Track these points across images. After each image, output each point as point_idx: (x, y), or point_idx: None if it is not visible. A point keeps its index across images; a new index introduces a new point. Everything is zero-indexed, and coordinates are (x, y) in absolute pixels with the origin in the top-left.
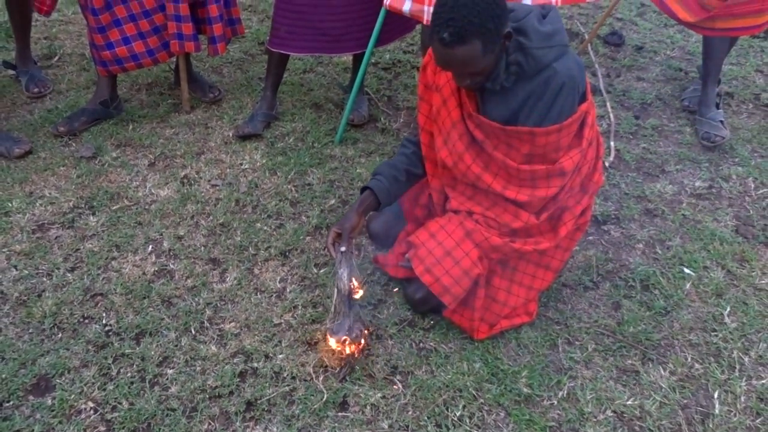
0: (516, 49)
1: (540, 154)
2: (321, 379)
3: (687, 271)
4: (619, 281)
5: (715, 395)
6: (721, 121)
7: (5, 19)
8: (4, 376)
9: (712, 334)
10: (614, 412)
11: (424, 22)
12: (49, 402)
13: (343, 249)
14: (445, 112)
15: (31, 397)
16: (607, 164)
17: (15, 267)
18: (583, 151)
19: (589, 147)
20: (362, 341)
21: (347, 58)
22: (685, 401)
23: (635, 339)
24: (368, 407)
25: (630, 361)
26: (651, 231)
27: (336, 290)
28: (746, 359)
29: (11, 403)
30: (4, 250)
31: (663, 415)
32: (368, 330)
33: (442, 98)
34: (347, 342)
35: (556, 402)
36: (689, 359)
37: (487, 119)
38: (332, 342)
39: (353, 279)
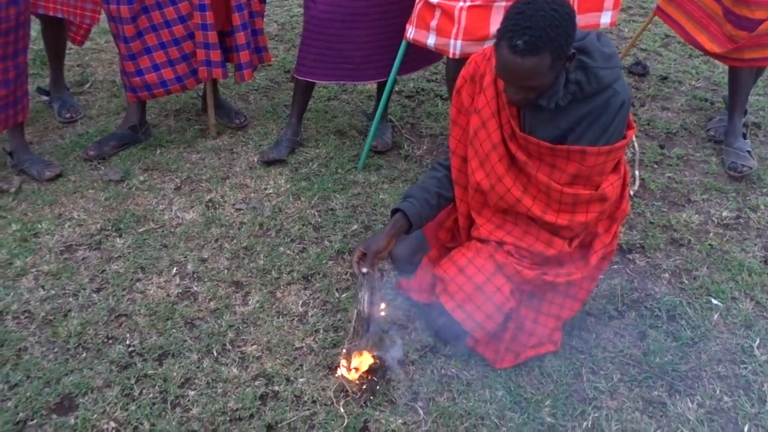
0: (577, 67)
1: (586, 175)
2: (342, 403)
3: (714, 301)
4: (645, 311)
5: (745, 429)
6: (749, 152)
7: (41, 48)
8: (28, 394)
9: (741, 366)
10: None
11: (450, 56)
12: (72, 421)
13: (365, 270)
14: (484, 134)
15: (54, 416)
16: (632, 193)
17: (42, 287)
18: (621, 178)
19: None
20: (374, 360)
21: (371, 86)
22: None
23: (662, 370)
24: None
25: (656, 393)
26: (677, 260)
27: (355, 312)
28: None
29: (35, 421)
30: (32, 270)
31: None
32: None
33: (481, 120)
34: (359, 357)
35: None
36: (718, 392)
37: (535, 138)
38: (343, 361)
39: (374, 302)
